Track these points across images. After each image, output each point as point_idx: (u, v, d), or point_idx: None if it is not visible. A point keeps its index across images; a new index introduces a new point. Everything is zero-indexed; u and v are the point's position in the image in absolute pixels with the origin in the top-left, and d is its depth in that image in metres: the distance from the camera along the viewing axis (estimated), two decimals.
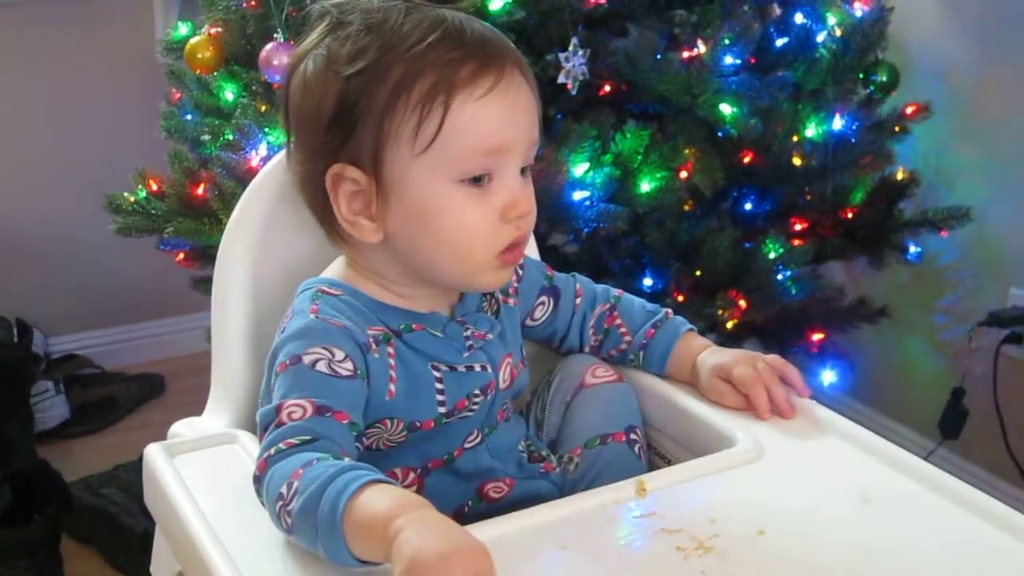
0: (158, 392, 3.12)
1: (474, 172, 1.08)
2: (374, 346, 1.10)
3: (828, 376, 2.32)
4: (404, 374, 1.11)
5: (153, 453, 1.15)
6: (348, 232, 1.12)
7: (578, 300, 1.31)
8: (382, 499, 0.91)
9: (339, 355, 1.06)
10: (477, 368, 1.16)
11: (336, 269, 1.18)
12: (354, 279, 1.15)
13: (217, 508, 1.05)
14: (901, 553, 0.99)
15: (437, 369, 1.13)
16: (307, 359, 1.05)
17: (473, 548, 0.86)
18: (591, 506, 1.05)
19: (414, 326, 1.13)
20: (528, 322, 1.29)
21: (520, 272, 1.28)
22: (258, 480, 1.00)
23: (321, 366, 1.05)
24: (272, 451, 0.99)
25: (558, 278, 1.32)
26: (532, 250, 1.43)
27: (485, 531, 1.00)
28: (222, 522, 1.02)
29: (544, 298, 1.30)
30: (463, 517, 1.06)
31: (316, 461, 0.96)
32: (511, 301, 1.25)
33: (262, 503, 1.00)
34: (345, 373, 1.05)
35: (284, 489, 0.96)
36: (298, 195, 1.18)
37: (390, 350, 1.11)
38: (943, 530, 1.03)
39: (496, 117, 1.08)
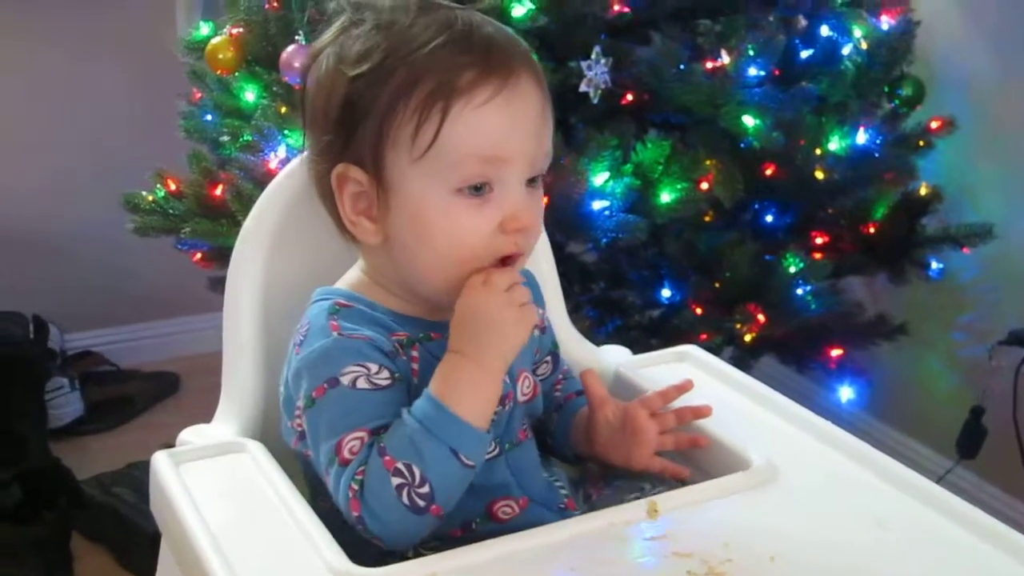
0: (173, 391, 3.12)
1: (471, 181, 1.06)
2: (400, 350, 1.09)
3: (846, 392, 2.30)
4: (426, 378, 1.09)
5: (159, 461, 1.14)
6: (351, 231, 1.12)
7: (561, 379, 1.31)
8: (440, 373, 1.05)
9: (374, 368, 1.06)
10: None
11: (351, 280, 1.17)
12: (369, 289, 1.14)
13: (222, 519, 1.04)
14: None
15: None
16: (345, 380, 1.05)
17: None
18: (601, 526, 1.04)
19: (433, 335, 1.12)
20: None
21: (544, 320, 1.27)
22: (360, 520, 1.02)
23: (361, 383, 1.05)
24: (355, 486, 1.02)
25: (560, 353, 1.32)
26: (549, 258, 1.42)
27: (493, 549, 1.00)
28: (226, 533, 1.02)
29: (549, 358, 1.29)
30: (470, 534, 1.06)
31: (385, 445, 1.02)
32: (535, 331, 1.23)
33: (372, 535, 1.02)
34: (385, 383, 1.06)
35: (398, 480, 1.00)
36: (313, 197, 1.17)
37: (414, 353, 1.11)
38: (957, 558, 1.02)
39: (496, 126, 1.06)
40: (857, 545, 1.03)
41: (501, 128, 1.06)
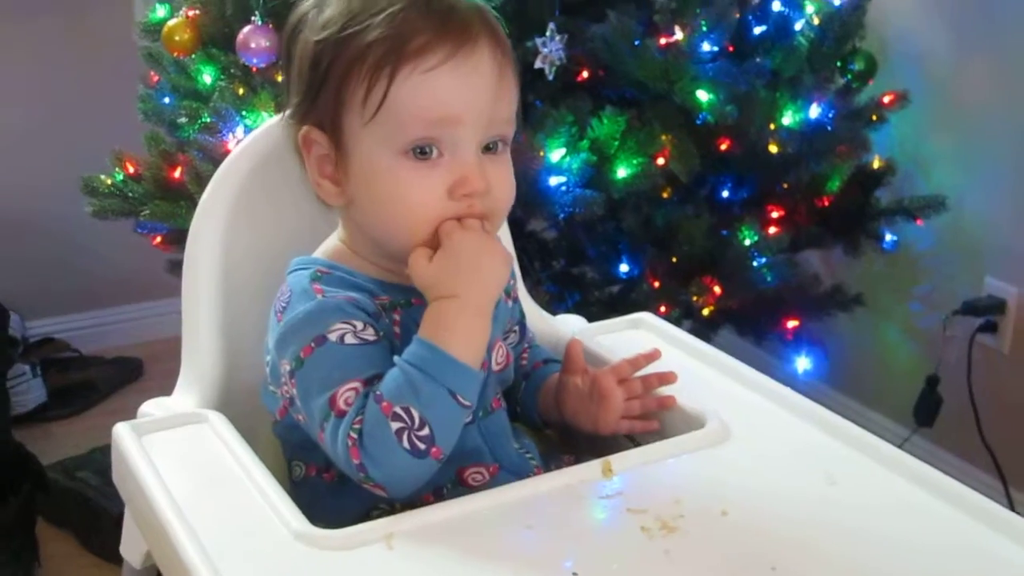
0: (136, 376, 3.12)
1: (416, 143, 1.07)
2: (383, 313, 1.11)
3: (803, 363, 2.33)
4: (408, 341, 1.09)
5: (121, 433, 1.15)
6: (318, 193, 1.15)
7: (527, 347, 1.32)
8: (429, 319, 1.06)
9: (359, 325, 1.07)
10: None
11: (328, 249, 1.18)
12: (347, 258, 1.16)
13: (184, 488, 1.05)
14: (864, 534, 1.00)
15: None
16: (333, 336, 1.06)
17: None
18: (557, 486, 1.06)
19: (413, 300, 1.13)
20: None
21: (515, 291, 1.28)
22: (361, 467, 1.02)
23: (349, 339, 1.06)
24: (353, 435, 1.02)
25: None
26: (504, 231, 1.43)
27: (451, 509, 1.02)
28: (189, 502, 1.03)
29: (517, 327, 1.30)
30: (440, 500, 1.07)
31: (382, 392, 1.02)
32: (508, 301, 1.24)
33: (373, 483, 1.03)
34: (372, 339, 1.07)
35: (397, 424, 1.01)
36: (269, 170, 1.22)
37: (396, 317, 1.12)
38: (907, 512, 1.04)
39: (444, 88, 1.06)
40: (808, 499, 1.05)
41: (448, 91, 1.07)
